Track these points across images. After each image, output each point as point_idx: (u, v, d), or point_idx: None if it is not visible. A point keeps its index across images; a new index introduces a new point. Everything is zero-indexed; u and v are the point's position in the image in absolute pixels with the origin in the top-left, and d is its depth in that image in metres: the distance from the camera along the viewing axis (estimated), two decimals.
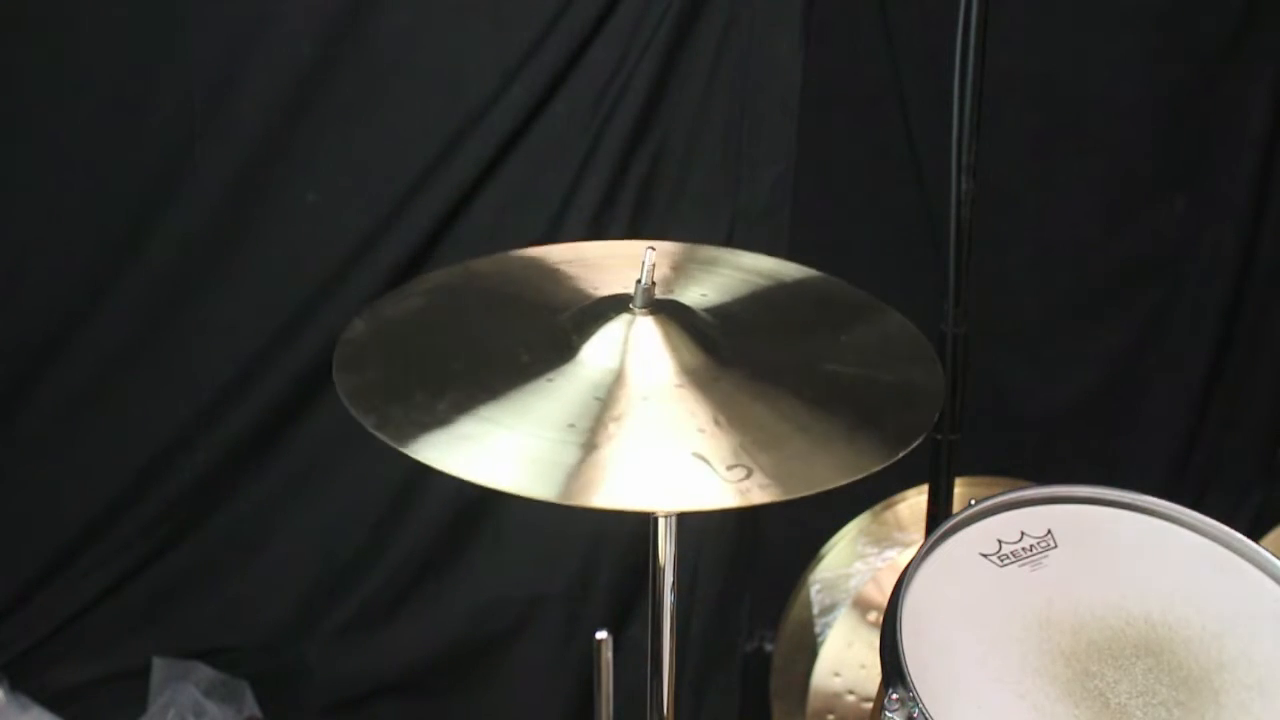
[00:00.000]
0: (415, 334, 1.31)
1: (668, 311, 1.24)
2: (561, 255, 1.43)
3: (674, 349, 1.21)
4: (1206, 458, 2.44)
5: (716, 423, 1.14)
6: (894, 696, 1.15)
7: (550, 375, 1.19)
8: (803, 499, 1.09)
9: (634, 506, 1.07)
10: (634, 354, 1.20)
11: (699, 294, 1.34)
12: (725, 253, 1.46)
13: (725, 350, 1.23)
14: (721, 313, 1.31)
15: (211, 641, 2.24)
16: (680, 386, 1.18)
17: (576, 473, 1.08)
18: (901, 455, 1.14)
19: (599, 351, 1.21)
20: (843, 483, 1.10)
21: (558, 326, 1.25)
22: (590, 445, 1.11)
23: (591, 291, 1.32)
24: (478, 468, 1.09)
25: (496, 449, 1.11)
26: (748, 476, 1.08)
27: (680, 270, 1.39)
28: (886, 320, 1.37)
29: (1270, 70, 2.24)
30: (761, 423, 1.15)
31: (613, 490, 1.07)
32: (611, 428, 1.13)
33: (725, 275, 1.40)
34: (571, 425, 1.13)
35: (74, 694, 2.17)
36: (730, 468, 1.09)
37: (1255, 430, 2.46)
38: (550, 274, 1.40)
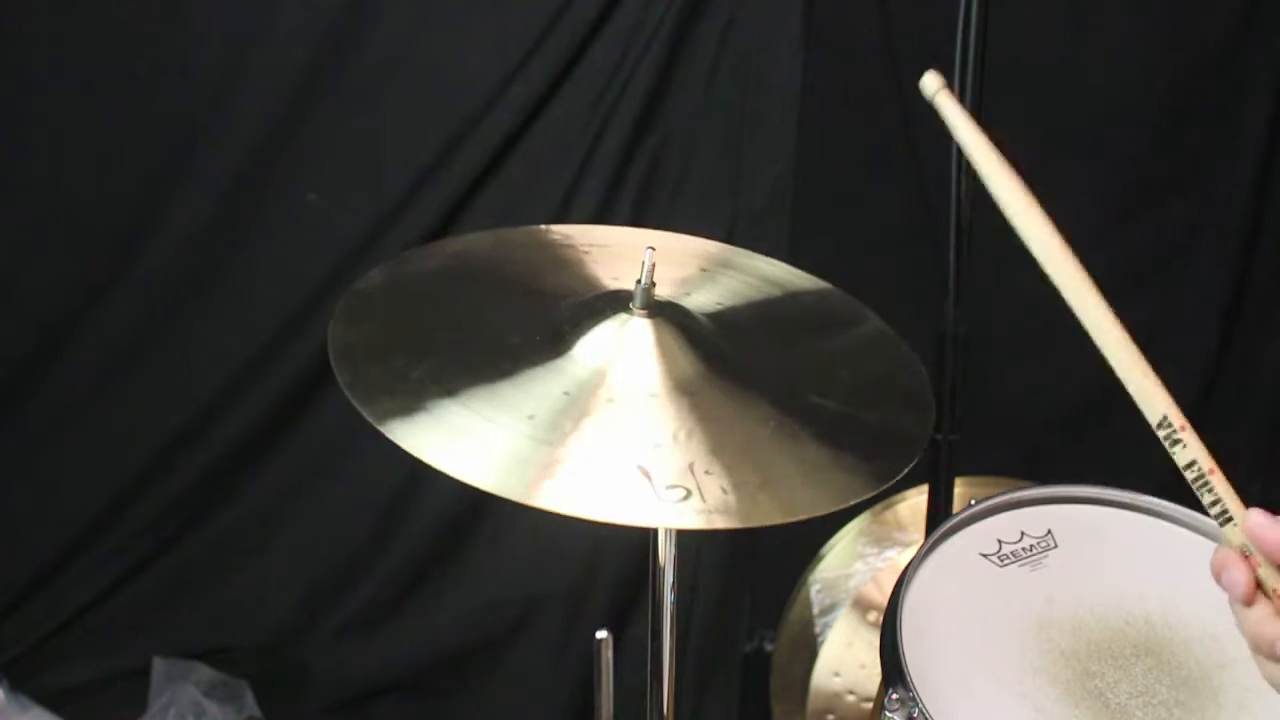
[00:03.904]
0: (422, 296, 1.28)
1: (666, 315, 1.21)
2: (593, 239, 1.39)
3: (661, 355, 1.17)
4: None
5: (675, 438, 1.10)
6: (894, 696, 1.15)
7: (531, 362, 1.16)
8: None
9: (557, 508, 1.03)
10: (617, 355, 1.17)
11: (706, 299, 1.31)
12: (752, 258, 1.41)
13: (715, 363, 1.19)
14: (724, 321, 1.28)
15: (211, 641, 2.24)
16: (653, 396, 1.14)
17: (518, 466, 1.05)
18: (854, 504, 1.09)
19: (585, 347, 1.18)
20: (783, 522, 1.05)
21: (556, 314, 1.22)
22: (543, 440, 1.08)
23: (609, 283, 1.29)
24: (424, 443, 1.06)
25: (450, 427, 1.08)
26: (685, 499, 1.04)
27: (705, 270, 1.36)
28: (895, 355, 1.32)
29: (1270, 70, 2.24)
30: (724, 446, 1.10)
31: (543, 489, 1.04)
32: (568, 426, 1.10)
33: (742, 281, 1.36)
34: (531, 417, 1.10)
35: (74, 694, 2.18)
36: (670, 487, 1.05)
37: (1255, 430, 2.46)
38: (577, 257, 1.35)
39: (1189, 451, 0.92)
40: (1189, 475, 0.93)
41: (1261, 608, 0.90)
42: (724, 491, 1.05)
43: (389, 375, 1.13)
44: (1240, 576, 0.91)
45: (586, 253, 1.36)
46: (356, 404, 1.09)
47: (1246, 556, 0.91)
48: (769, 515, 1.05)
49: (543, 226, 1.42)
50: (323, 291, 2.14)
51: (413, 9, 2.05)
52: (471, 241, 1.43)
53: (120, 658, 2.23)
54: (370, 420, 1.07)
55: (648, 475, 1.06)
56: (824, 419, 1.18)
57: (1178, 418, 0.93)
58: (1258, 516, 0.91)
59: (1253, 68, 2.24)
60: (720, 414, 1.14)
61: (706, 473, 1.06)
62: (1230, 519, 0.92)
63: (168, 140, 2.09)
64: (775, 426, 1.14)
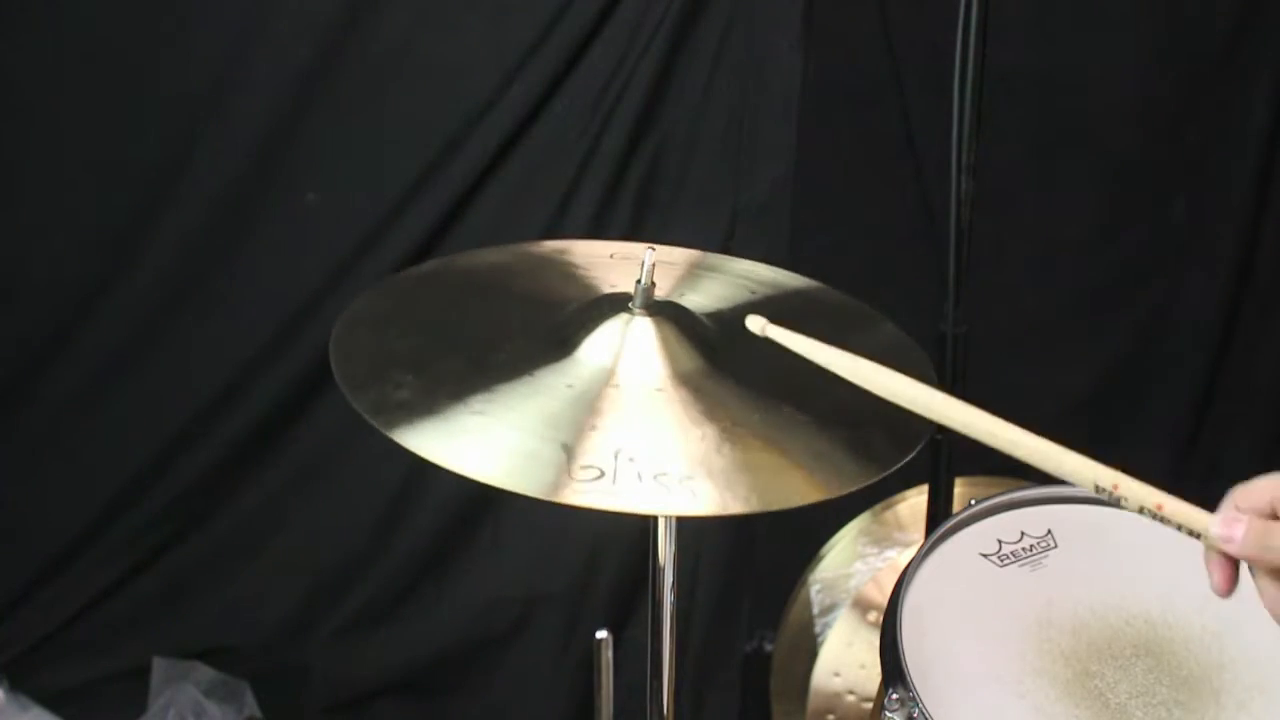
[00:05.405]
0: (453, 288, 1.32)
1: (664, 314, 1.21)
2: (621, 250, 1.41)
3: (654, 350, 1.18)
4: (1207, 457, 2.43)
5: (612, 423, 1.10)
6: (894, 696, 1.15)
7: (514, 348, 1.19)
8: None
9: (468, 472, 1.05)
10: (604, 347, 1.18)
11: (708, 300, 1.31)
12: (755, 266, 1.41)
13: (703, 361, 1.19)
14: (725, 320, 1.27)
15: (211, 641, 2.24)
16: (614, 387, 1.14)
17: (445, 430, 1.08)
18: (755, 513, 1.07)
19: (589, 347, 1.19)
20: (688, 514, 1.06)
21: (559, 312, 1.24)
22: (477, 411, 1.10)
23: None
24: (375, 401, 1.10)
25: (408, 388, 1.12)
26: (596, 479, 1.05)
27: (707, 274, 1.36)
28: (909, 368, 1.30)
29: (1270, 70, 2.24)
30: (665, 439, 1.10)
31: (461, 450, 1.06)
32: (516, 402, 1.12)
33: (747, 284, 1.36)
34: (489, 395, 1.13)
35: (74, 694, 2.17)
36: (585, 466, 1.06)
37: (1255, 430, 2.46)
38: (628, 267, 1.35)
39: (1134, 501, 0.94)
40: (1146, 518, 0.95)
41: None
42: (638, 479, 1.06)
43: (372, 342, 1.19)
44: (1218, 577, 0.92)
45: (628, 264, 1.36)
46: (333, 363, 1.14)
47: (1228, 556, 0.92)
48: (677, 506, 1.06)
49: (605, 243, 1.43)
50: (322, 292, 2.14)
51: (412, 9, 2.05)
52: (531, 249, 1.44)
53: (120, 658, 2.22)
54: (334, 372, 1.13)
55: (568, 452, 1.07)
56: (784, 430, 1.16)
57: (1107, 478, 0.95)
58: (1217, 528, 0.91)
59: (1253, 66, 2.24)
60: (684, 409, 1.14)
61: (630, 460, 1.07)
62: (1198, 534, 0.93)
63: (167, 140, 2.09)
64: (729, 427, 1.13)
